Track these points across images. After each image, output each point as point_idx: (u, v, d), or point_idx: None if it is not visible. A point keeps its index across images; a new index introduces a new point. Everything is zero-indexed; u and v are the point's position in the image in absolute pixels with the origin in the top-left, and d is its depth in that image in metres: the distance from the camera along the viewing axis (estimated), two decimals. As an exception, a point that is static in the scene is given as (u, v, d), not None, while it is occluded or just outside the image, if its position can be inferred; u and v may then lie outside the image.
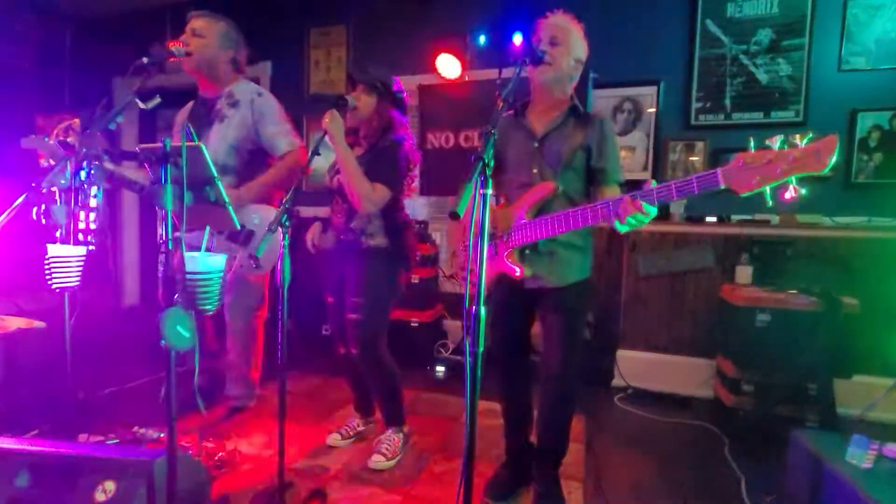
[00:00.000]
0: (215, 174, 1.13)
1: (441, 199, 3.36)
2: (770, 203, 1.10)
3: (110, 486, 1.13)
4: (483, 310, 0.95)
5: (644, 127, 3.05)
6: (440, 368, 3.03)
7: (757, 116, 2.84)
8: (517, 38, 2.90)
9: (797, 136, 1.06)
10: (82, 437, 1.74)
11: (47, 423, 1.92)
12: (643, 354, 2.80)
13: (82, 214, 1.14)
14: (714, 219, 2.66)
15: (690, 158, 2.95)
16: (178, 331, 1.01)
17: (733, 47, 2.87)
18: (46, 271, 1.32)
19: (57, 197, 1.40)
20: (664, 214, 2.76)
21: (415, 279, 3.04)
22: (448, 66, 3.04)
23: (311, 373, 2.84)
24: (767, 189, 1.08)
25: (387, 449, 1.84)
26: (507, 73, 3.04)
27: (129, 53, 4.31)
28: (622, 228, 1.31)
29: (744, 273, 2.48)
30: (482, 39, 2.98)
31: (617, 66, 3.05)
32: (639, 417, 2.40)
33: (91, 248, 1.19)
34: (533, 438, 1.76)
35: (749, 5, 2.84)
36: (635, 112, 3.06)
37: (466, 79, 3.08)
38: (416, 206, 3.36)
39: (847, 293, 2.24)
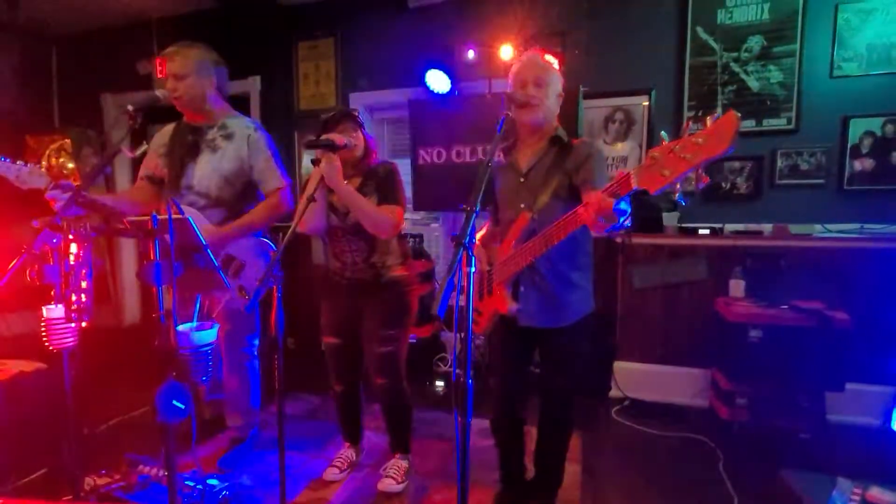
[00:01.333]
0: (205, 243, 1.13)
1: (434, 213, 3.37)
2: (683, 202, 1.03)
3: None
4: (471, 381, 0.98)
5: (636, 136, 3.04)
6: (439, 384, 3.07)
7: (749, 124, 2.83)
8: (505, 53, 2.88)
9: (708, 118, 0.96)
10: (89, 480, 1.77)
11: (53, 462, 1.97)
12: (640, 366, 2.84)
13: (73, 296, 1.14)
14: (707, 231, 2.67)
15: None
16: (175, 405, 1.03)
17: (724, 55, 2.85)
18: (42, 333, 1.34)
19: (50, 257, 1.40)
20: (657, 228, 2.77)
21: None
22: (438, 80, 3.02)
23: (310, 392, 2.87)
24: (678, 184, 0.99)
25: (395, 473, 1.91)
26: (497, 86, 3.02)
27: (117, 67, 4.30)
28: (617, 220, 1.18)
29: (737, 287, 2.50)
30: (471, 54, 2.95)
31: (608, 76, 3.03)
32: (635, 432, 2.44)
33: (84, 324, 1.20)
34: (528, 461, 1.80)
35: (739, 12, 2.81)
36: (627, 121, 3.05)
37: (456, 93, 3.06)
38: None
39: (841, 304, 2.27)
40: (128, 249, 4.44)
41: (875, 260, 2.42)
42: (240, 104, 3.85)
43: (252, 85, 3.86)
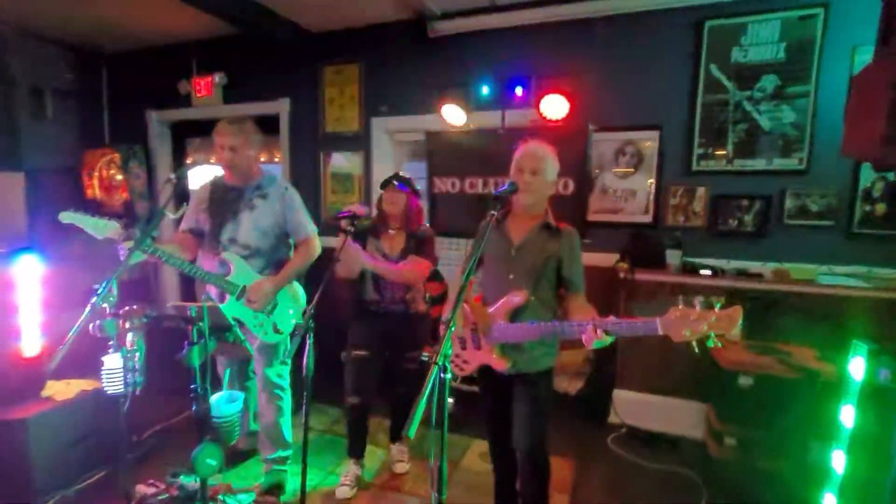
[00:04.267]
0: (233, 323, 1.36)
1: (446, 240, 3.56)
2: (696, 350, 1.36)
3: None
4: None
5: (645, 170, 3.11)
6: (449, 400, 3.28)
7: (759, 163, 2.86)
8: (518, 91, 2.98)
9: (713, 297, 1.37)
10: (139, 488, 2.08)
11: (108, 469, 2.30)
12: (638, 395, 2.97)
13: (130, 377, 1.38)
14: (708, 271, 2.74)
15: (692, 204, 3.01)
16: (208, 462, 1.27)
17: (737, 93, 2.87)
18: (102, 380, 1.61)
19: (107, 311, 1.67)
20: (660, 265, 2.86)
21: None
22: (453, 114, 3.16)
23: (331, 404, 3.13)
24: (694, 341, 1.36)
25: (403, 455, 2.53)
26: (510, 119, 3.13)
27: (160, 86, 4.60)
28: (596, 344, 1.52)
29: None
30: (485, 90, 3.07)
31: (619, 110, 3.10)
32: (627, 463, 2.59)
33: (137, 391, 1.45)
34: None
35: (755, 51, 2.81)
36: (637, 156, 3.12)
37: (471, 126, 3.18)
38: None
39: (837, 352, 2.33)
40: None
41: (874, 309, 2.44)
42: (270, 124, 4.14)
43: (282, 106, 4.08)
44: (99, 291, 1.62)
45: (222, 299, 2.08)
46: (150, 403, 2.77)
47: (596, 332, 1.47)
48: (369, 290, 2.30)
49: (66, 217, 1.88)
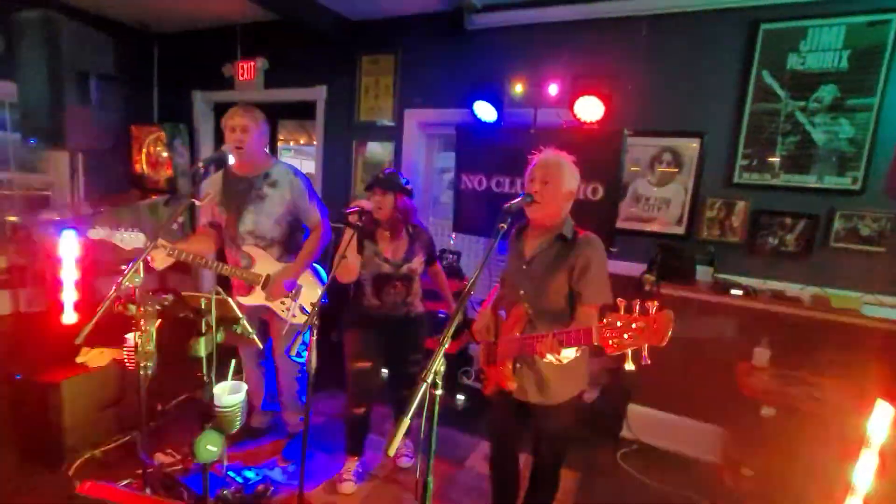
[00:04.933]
0: (241, 315, 1.40)
1: (471, 237, 3.54)
2: (631, 366, 1.16)
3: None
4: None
5: (683, 179, 2.96)
6: (460, 398, 3.29)
7: (809, 180, 2.67)
8: (552, 89, 2.89)
9: (651, 302, 1.15)
10: (158, 456, 2.21)
11: (132, 434, 2.45)
12: (654, 412, 2.88)
13: (143, 361, 1.47)
14: (740, 292, 2.60)
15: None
16: (209, 449, 1.32)
17: (790, 103, 2.67)
18: (125, 358, 1.70)
19: (134, 293, 1.75)
20: (690, 280, 2.74)
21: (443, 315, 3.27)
22: (485, 110, 3.10)
23: (342, 390, 3.19)
24: (628, 352, 1.17)
25: (407, 451, 2.56)
26: (543, 119, 3.05)
27: (205, 68, 4.73)
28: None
29: (761, 356, 2.44)
30: (518, 89, 2.99)
31: (659, 115, 2.95)
32: (635, 482, 2.52)
33: (149, 374, 1.53)
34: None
35: (814, 58, 2.60)
36: (675, 163, 2.97)
37: (501, 124, 3.12)
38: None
39: (875, 390, 2.17)
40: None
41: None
42: (307, 110, 4.20)
43: (319, 94, 4.13)
44: (125, 273, 1.71)
45: (249, 291, 2.17)
46: (176, 374, 2.96)
47: (550, 345, 1.38)
48: (369, 295, 2.25)
49: (95, 234, 1.98)
